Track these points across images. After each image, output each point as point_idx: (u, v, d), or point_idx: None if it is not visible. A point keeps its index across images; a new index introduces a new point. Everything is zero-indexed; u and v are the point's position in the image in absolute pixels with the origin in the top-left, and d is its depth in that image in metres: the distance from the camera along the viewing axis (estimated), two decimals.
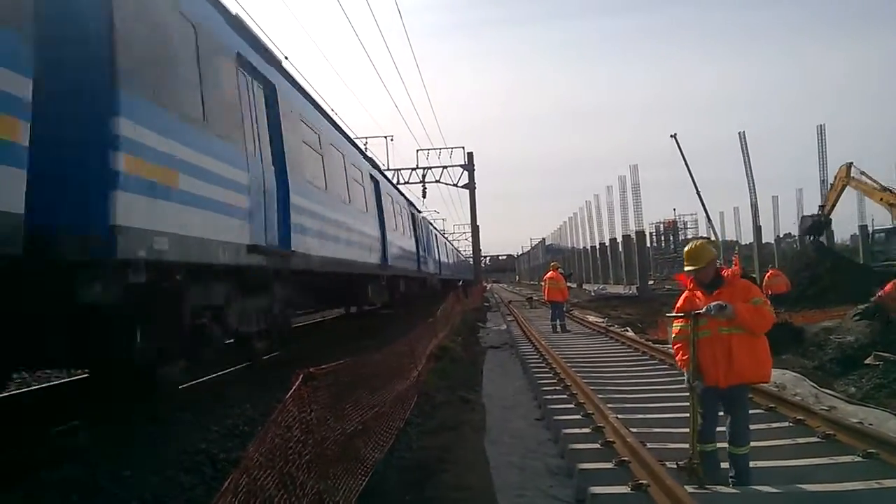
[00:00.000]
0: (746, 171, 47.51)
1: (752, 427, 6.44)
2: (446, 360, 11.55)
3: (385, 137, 39.70)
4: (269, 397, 7.01)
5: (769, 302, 5.10)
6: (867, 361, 10.90)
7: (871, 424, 6.62)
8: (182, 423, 6.45)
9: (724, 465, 5.13)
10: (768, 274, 25.60)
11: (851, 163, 33.82)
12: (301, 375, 4.25)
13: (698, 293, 5.18)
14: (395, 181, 33.86)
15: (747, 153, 47.34)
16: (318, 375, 4.52)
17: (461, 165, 42.90)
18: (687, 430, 6.06)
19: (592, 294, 47.08)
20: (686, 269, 5.19)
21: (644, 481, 4.83)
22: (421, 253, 25.73)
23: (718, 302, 4.89)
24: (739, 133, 47.51)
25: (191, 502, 4.45)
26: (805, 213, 43.27)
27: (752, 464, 5.08)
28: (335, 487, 4.34)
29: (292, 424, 4.00)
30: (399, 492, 5.01)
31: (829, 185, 42.13)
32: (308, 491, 3.89)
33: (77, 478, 4.68)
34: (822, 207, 36.31)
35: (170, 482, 4.73)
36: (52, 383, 9.04)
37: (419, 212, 30.29)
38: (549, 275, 20.04)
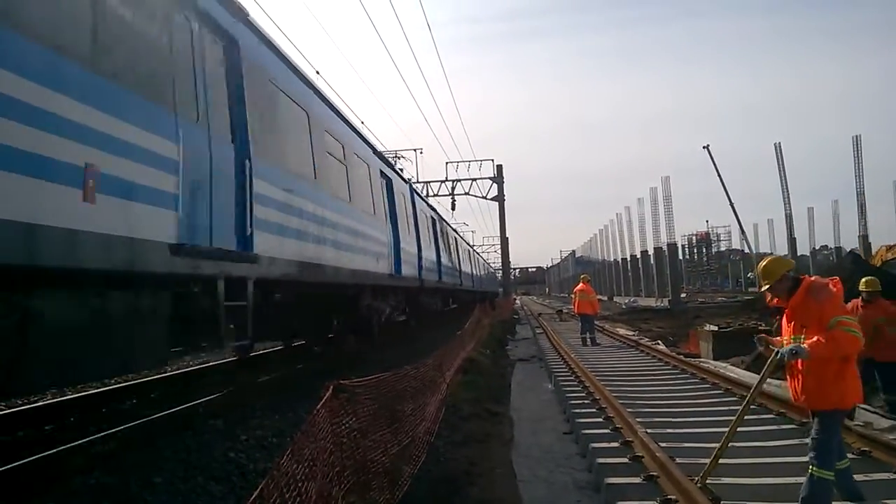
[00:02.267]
0: (781, 182, 46.93)
1: (786, 442, 6.43)
2: (474, 373, 11.57)
3: (414, 150, 40.04)
4: (301, 408, 7.11)
5: (850, 321, 4.55)
6: None
7: (881, 431, 6.53)
8: (211, 431, 6.57)
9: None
10: None
11: (889, 245, 33.49)
12: (331, 387, 4.34)
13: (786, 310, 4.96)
14: (424, 193, 33.93)
15: (783, 164, 46.74)
16: (348, 388, 4.61)
17: (490, 178, 43.02)
18: (717, 444, 6.06)
19: (623, 307, 46.67)
20: (762, 287, 5.06)
21: (672, 496, 4.81)
22: (444, 262, 24.19)
23: (792, 346, 4.66)
24: (775, 144, 46.99)
25: None
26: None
27: (781, 480, 5.02)
28: (366, 499, 4.41)
29: (324, 436, 4.08)
30: None
31: (864, 199, 41.30)
32: None
33: (108, 484, 4.81)
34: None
35: (200, 490, 4.83)
36: (66, 397, 9.27)
37: (443, 219, 29.09)
38: (579, 287, 19.92)
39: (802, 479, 5.21)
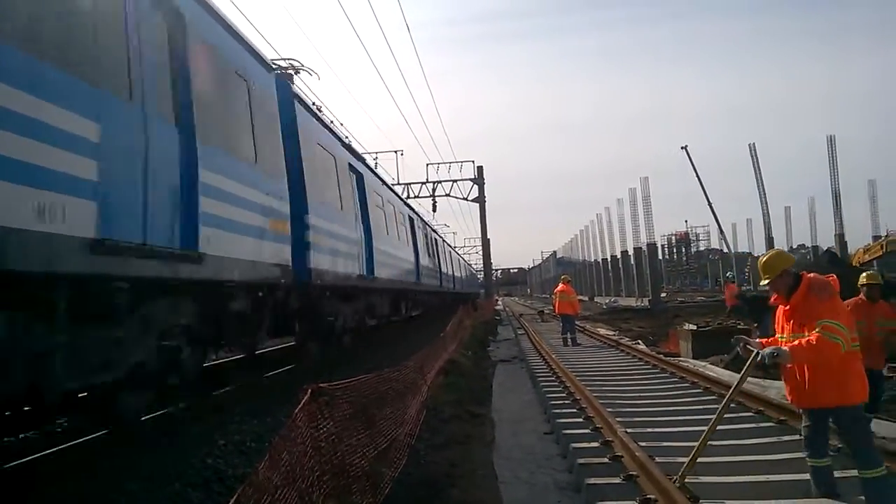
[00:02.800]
0: (758, 182, 47.46)
1: (777, 440, 6.47)
2: (456, 374, 11.55)
3: (395, 152, 40.05)
4: (280, 413, 7.05)
5: (835, 327, 4.42)
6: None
7: (883, 438, 6.57)
8: (190, 436, 6.50)
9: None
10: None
11: (865, 247, 34.22)
12: (310, 391, 4.31)
13: (782, 305, 4.92)
14: (404, 195, 33.82)
15: (758, 164, 47.32)
16: (328, 391, 4.57)
17: (471, 179, 43.07)
18: (696, 443, 6.09)
19: (604, 307, 46.92)
20: (761, 282, 5.02)
21: (652, 496, 4.83)
22: (422, 263, 23.58)
23: (773, 348, 4.67)
24: (750, 145, 47.53)
25: None
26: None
27: (758, 477, 5.05)
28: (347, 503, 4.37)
29: (303, 440, 4.05)
30: None
31: (839, 197, 42.00)
32: None
33: (83, 491, 4.73)
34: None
35: (177, 497, 4.77)
36: None
37: (420, 217, 28.26)
38: (559, 288, 20.02)
39: (779, 477, 5.29)
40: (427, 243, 26.75)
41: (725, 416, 7.73)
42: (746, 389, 8.90)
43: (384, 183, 20.26)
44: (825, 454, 4.80)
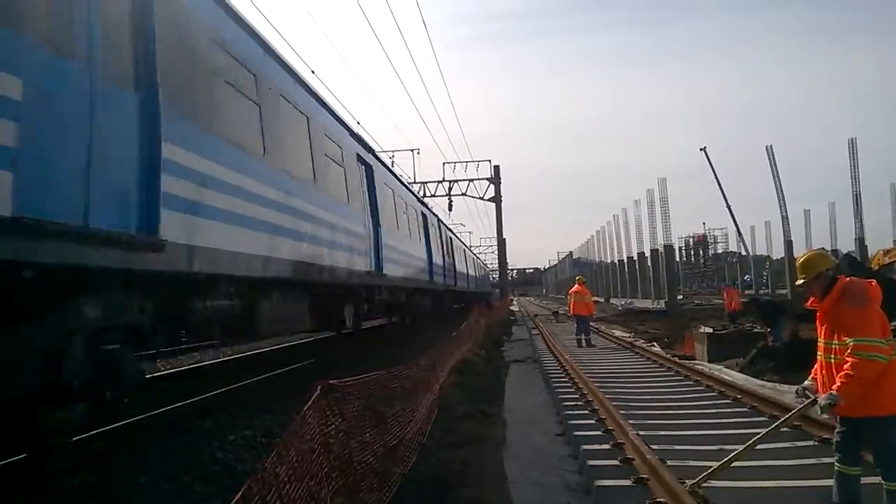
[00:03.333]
0: (776, 184, 46.89)
1: (782, 445, 6.37)
2: (469, 374, 11.54)
3: (411, 150, 39.95)
4: (292, 408, 7.08)
5: (868, 345, 4.20)
6: None
7: None
8: (200, 430, 6.54)
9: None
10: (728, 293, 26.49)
11: (886, 249, 33.75)
12: (319, 388, 4.31)
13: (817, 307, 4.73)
14: (421, 194, 33.83)
15: (775, 166, 46.75)
16: (338, 387, 4.58)
17: (487, 178, 42.97)
18: (711, 447, 6.04)
19: (620, 308, 46.67)
20: (797, 282, 4.83)
21: (661, 499, 4.79)
22: (435, 262, 22.96)
23: (826, 395, 4.39)
24: (767, 147, 46.96)
25: None
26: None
27: (772, 483, 4.99)
28: (355, 501, 4.38)
29: (311, 437, 4.06)
30: None
31: (860, 201, 41.57)
32: None
33: (93, 484, 4.76)
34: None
35: (186, 490, 4.81)
36: None
37: (436, 216, 27.90)
38: (574, 289, 19.94)
39: (793, 483, 5.23)
40: (441, 242, 26.03)
41: (739, 420, 7.76)
42: (761, 394, 8.86)
43: (401, 181, 20.35)
44: (856, 462, 4.57)
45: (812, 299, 4.73)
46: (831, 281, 4.58)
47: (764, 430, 5.45)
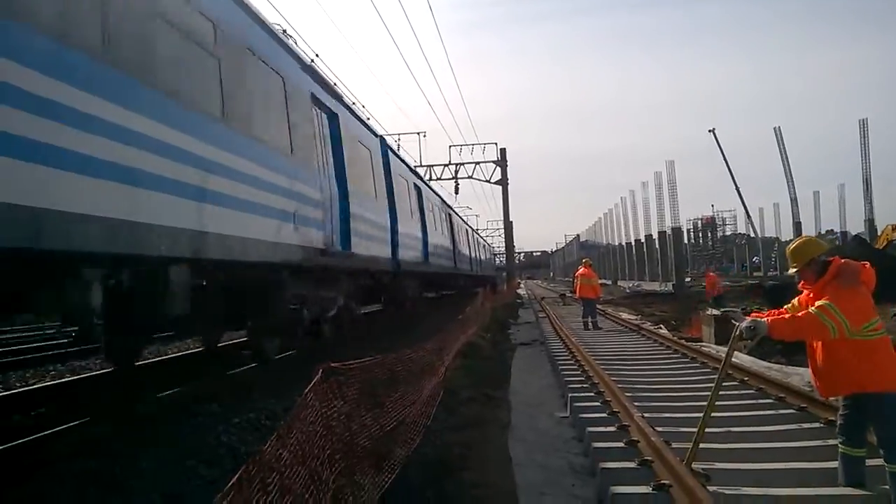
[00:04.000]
0: (784, 166, 46.67)
1: (784, 428, 6.38)
2: (474, 357, 11.55)
3: (418, 134, 39.90)
4: (295, 391, 7.09)
5: (830, 310, 4.26)
6: None
7: None
8: (205, 414, 6.56)
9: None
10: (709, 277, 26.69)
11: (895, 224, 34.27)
12: (322, 370, 4.30)
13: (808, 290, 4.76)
14: (427, 177, 33.67)
15: (784, 148, 46.46)
16: (340, 370, 4.57)
17: (494, 161, 42.84)
18: (717, 430, 6.02)
19: (627, 291, 46.58)
20: (790, 270, 4.83)
21: (666, 481, 4.77)
22: (432, 242, 20.74)
23: (749, 320, 4.60)
24: (775, 128, 46.70)
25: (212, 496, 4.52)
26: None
27: (775, 465, 4.96)
28: (359, 483, 4.38)
29: (315, 420, 4.05)
30: (421, 488, 5.02)
31: (870, 183, 41.35)
32: (331, 486, 3.94)
33: (95, 469, 4.78)
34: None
35: (190, 474, 4.82)
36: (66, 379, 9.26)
37: (434, 190, 25.36)
38: (580, 271, 19.89)
39: (799, 465, 5.20)
40: (436, 219, 23.17)
41: (742, 402, 7.73)
42: (768, 376, 8.81)
43: (388, 147, 16.85)
44: (861, 444, 4.60)
45: (803, 285, 4.75)
46: (824, 265, 4.59)
47: (714, 385, 5.49)
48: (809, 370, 4.77)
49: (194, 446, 5.37)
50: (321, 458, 3.96)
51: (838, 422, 4.71)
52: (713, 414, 6.85)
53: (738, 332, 4.71)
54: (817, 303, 4.36)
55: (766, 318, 4.66)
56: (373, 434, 4.99)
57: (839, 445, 4.68)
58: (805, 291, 4.80)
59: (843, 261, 4.59)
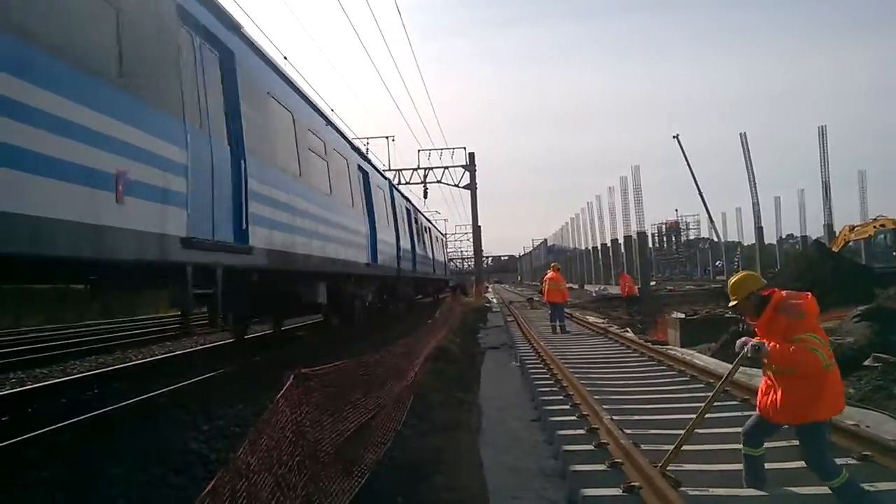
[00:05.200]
0: (748, 171, 47.53)
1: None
2: (444, 361, 11.55)
3: (386, 138, 39.68)
4: (264, 397, 7.02)
5: (815, 340, 4.44)
6: (866, 363, 10.88)
7: (868, 427, 6.58)
8: (173, 421, 6.44)
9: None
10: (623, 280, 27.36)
11: (852, 225, 35.72)
12: (293, 376, 4.26)
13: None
14: (396, 181, 33.56)
15: (748, 153, 47.40)
16: (311, 376, 4.53)
17: (462, 166, 42.90)
18: (682, 431, 6.09)
19: (594, 295, 46.99)
20: (730, 304, 5.04)
21: (636, 483, 4.82)
22: (417, 252, 21.54)
23: (758, 341, 4.68)
24: (740, 134, 47.56)
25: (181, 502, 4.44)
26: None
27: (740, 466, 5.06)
28: (328, 489, 4.35)
29: (284, 426, 4.01)
30: (391, 493, 5.00)
31: (829, 188, 42.55)
32: (300, 493, 3.90)
33: (63, 477, 4.66)
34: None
35: (159, 482, 4.73)
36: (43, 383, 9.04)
37: (382, 174, 21.81)
38: (549, 275, 20.00)
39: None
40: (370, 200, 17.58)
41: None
42: (733, 378, 8.95)
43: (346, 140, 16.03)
44: (761, 444, 4.90)
45: (747, 317, 4.93)
46: (761, 300, 4.77)
47: (710, 396, 5.60)
48: (762, 395, 4.84)
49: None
50: (290, 464, 3.93)
51: (746, 430, 4.94)
52: (683, 416, 6.99)
53: (745, 351, 4.78)
54: (796, 338, 4.44)
55: (767, 343, 4.68)
56: (341, 439, 4.96)
57: (743, 447, 4.92)
58: (753, 326, 4.95)
59: (783, 294, 4.73)
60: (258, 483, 3.38)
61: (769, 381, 4.77)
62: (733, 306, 4.98)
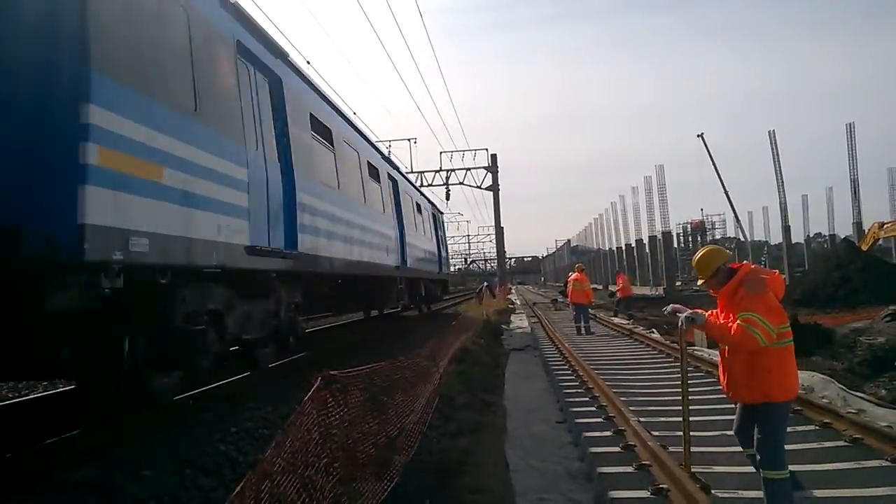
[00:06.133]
0: (776, 169, 46.90)
1: (790, 430, 6.38)
2: (469, 363, 11.54)
3: (408, 140, 39.81)
4: (291, 399, 7.07)
5: (755, 319, 4.27)
6: None
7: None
8: (203, 424, 6.52)
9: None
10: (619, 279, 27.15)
11: (882, 222, 35.15)
12: (320, 378, 4.30)
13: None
14: (418, 184, 33.60)
15: (777, 152, 46.76)
16: (338, 379, 4.56)
17: (485, 167, 42.88)
18: (710, 433, 6.06)
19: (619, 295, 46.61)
20: (698, 282, 4.88)
21: (664, 486, 4.79)
22: (441, 253, 22.25)
23: (690, 312, 4.65)
24: (769, 132, 46.91)
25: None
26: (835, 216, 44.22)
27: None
28: (357, 491, 4.37)
29: (311, 428, 4.04)
30: (418, 495, 5.01)
31: (858, 185, 41.87)
32: (327, 495, 3.93)
33: (96, 478, 4.75)
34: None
35: (190, 483, 4.79)
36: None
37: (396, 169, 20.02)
38: (573, 276, 19.93)
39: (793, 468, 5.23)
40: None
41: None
42: None
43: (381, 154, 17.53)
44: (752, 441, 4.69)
45: (714, 292, 4.77)
46: (729, 273, 4.65)
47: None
48: (721, 374, 4.73)
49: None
50: (317, 466, 3.96)
51: (735, 426, 4.77)
52: (710, 418, 6.93)
53: (681, 324, 4.76)
54: (740, 315, 4.33)
55: (706, 313, 4.67)
56: (371, 441, 4.98)
57: (744, 449, 4.73)
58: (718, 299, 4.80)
59: (750, 268, 4.64)
60: (284, 484, 3.41)
61: (721, 357, 4.67)
62: (702, 283, 4.81)
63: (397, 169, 20.18)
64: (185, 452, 5.38)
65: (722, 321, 4.52)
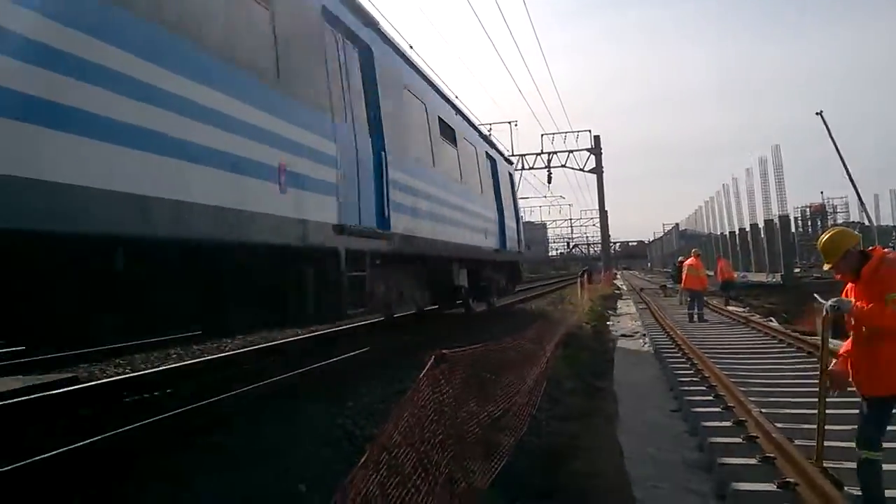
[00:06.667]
0: None
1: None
2: (575, 347, 11.38)
3: (509, 123, 39.46)
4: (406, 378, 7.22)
5: None
6: None
7: None
8: (320, 400, 6.78)
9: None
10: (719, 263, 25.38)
11: None
12: (433, 357, 4.35)
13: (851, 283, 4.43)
14: (519, 166, 33.20)
15: None
16: (450, 358, 4.60)
17: (587, 149, 41.97)
18: (839, 427, 5.66)
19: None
20: (825, 267, 4.53)
21: (792, 479, 4.53)
22: (525, 235, 20.10)
23: (835, 299, 4.31)
24: None
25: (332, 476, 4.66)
26: None
27: None
28: (469, 468, 4.41)
29: (426, 404, 4.10)
30: (530, 476, 4.98)
31: None
32: (443, 470, 3.98)
33: (224, 444, 5.06)
34: None
35: (312, 456, 4.99)
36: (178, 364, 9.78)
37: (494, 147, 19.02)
38: (688, 261, 19.22)
39: None
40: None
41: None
42: None
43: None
44: (878, 444, 4.25)
45: (845, 278, 4.38)
46: (860, 256, 4.25)
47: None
48: (855, 369, 4.30)
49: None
50: (432, 442, 4.01)
51: (860, 423, 4.34)
52: (838, 412, 6.48)
53: (825, 312, 4.39)
54: (889, 297, 3.95)
55: (852, 300, 4.27)
56: (480, 420, 5.00)
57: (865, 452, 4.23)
58: (849, 284, 4.39)
59: (886, 250, 4.31)
60: (402, 457, 3.48)
61: (853, 351, 4.29)
62: (828, 268, 4.43)
63: (494, 146, 19.20)
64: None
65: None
